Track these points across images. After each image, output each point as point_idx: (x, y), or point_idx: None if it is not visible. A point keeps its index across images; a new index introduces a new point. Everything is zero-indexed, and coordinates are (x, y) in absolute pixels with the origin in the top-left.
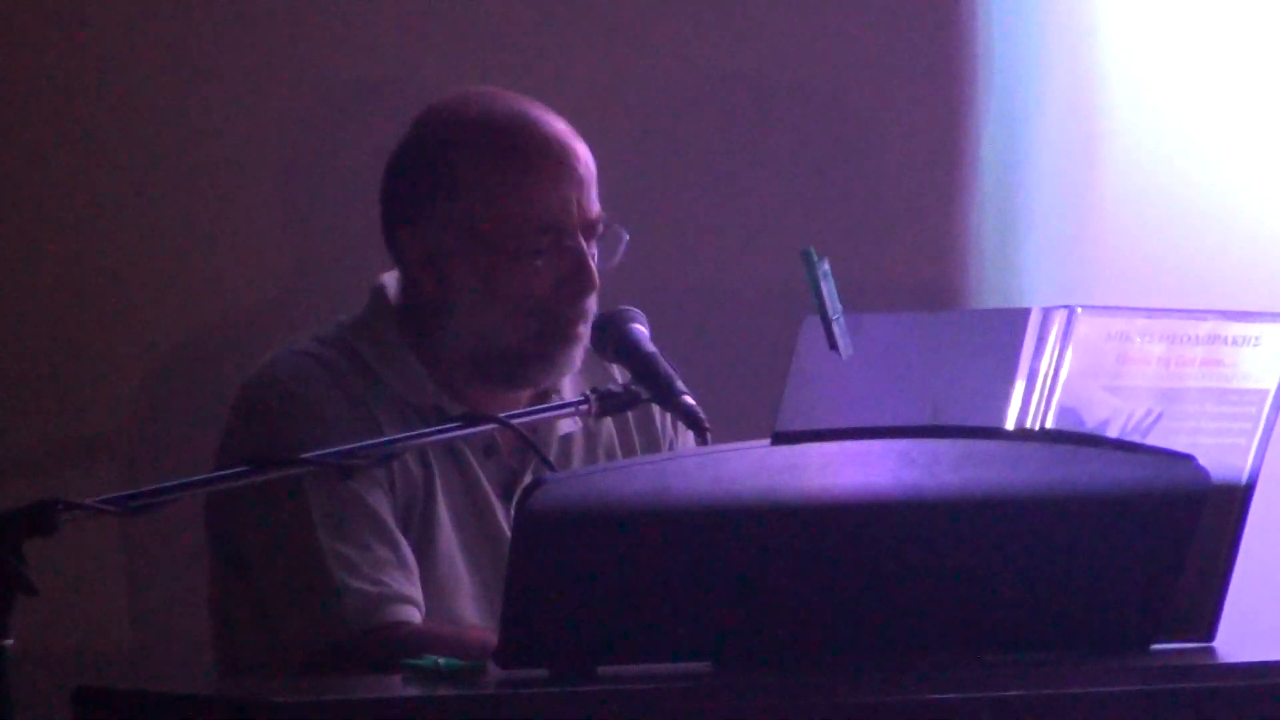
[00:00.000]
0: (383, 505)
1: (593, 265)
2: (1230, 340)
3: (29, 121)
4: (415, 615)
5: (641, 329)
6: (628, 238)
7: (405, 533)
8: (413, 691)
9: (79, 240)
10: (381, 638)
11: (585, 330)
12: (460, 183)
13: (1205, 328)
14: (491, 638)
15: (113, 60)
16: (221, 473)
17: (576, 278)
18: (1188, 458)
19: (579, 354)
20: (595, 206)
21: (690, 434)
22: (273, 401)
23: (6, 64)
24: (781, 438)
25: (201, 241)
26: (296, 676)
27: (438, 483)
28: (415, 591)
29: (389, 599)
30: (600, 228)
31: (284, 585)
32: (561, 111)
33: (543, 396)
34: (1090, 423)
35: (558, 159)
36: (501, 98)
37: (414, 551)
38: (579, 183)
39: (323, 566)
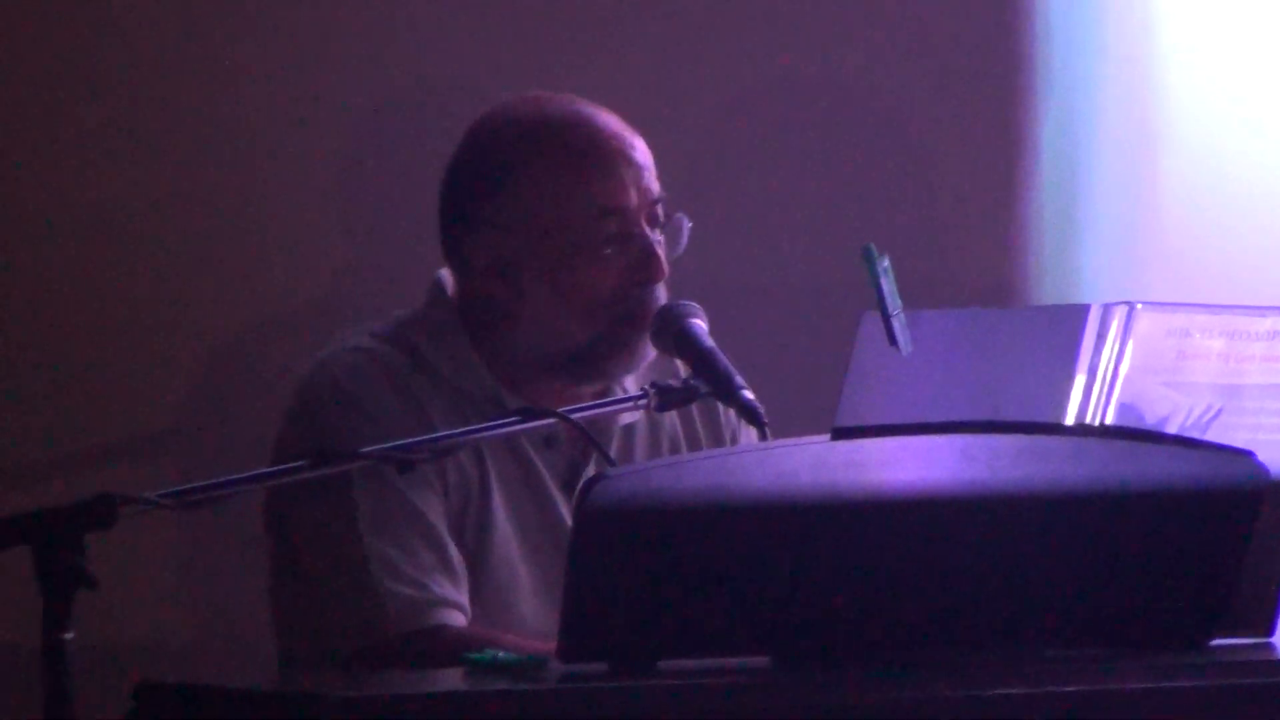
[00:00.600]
0: (432, 507)
1: (660, 252)
2: None
3: (89, 120)
4: (458, 619)
5: (701, 324)
6: (690, 224)
7: (460, 532)
8: (473, 686)
9: (133, 238)
10: (424, 641)
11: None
12: (518, 184)
13: (1266, 324)
14: (535, 644)
15: (170, 59)
16: (277, 468)
17: (645, 265)
18: (1247, 454)
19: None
20: (655, 189)
21: (752, 429)
22: (326, 399)
23: (70, 61)
24: (841, 433)
25: (255, 239)
26: (357, 671)
27: (493, 480)
28: (460, 596)
29: (432, 603)
30: (662, 215)
31: (328, 585)
32: (619, 111)
33: (604, 390)
34: (1150, 419)
35: (610, 145)
36: (551, 99)
37: (470, 550)
38: (635, 166)
39: (365, 569)
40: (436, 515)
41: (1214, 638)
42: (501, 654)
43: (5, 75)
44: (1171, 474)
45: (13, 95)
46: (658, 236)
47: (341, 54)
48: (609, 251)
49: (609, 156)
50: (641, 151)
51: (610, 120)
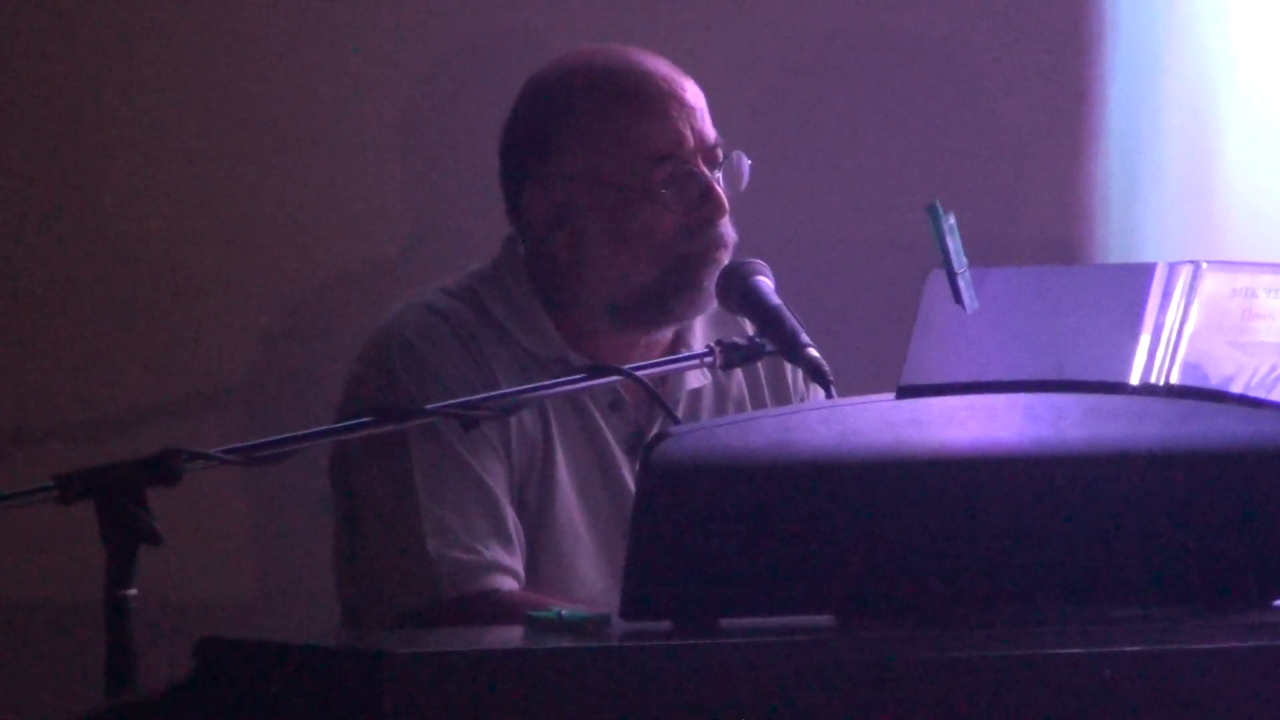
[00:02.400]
0: (491, 471)
1: (719, 189)
2: None
3: (165, 86)
4: (510, 584)
5: (766, 281)
6: (750, 162)
7: (523, 494)
8: (535, 643)
9: (201, 199)
10: (474, 606)
11: (726, 258)
12: (572, 135)
13: None
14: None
15: (238, 24)
16: (340, 424)
17: (704, 203)
18: None
19: None
20: (711, 132)
21: (818, 389)
22: (394, 356)
23: (144, 28)
24: (906, 391)
25: (322, 197)
26: (418, 628)
27: (557, 443)
28: (513, 562)
29: (483, 567)
30: (720, 155)
31: (381, 545)
32: (687, 65)
33: (671, 349)
34: (1215, 378)
35: (660, 88)
36: (600, 50)
37: (532, 512)
38: (688, 109)
39: (418, 531)
40: (495, 479)
41: (1278, 598)
42: (565, 611)
43: (92, 42)
44: (1236, 434)
45: (96, 63)
46: (717, 176)
47: (402, 14)
48: (666, 193)
49: (660, 99)
50: (693, 93)
51: (659, 64)
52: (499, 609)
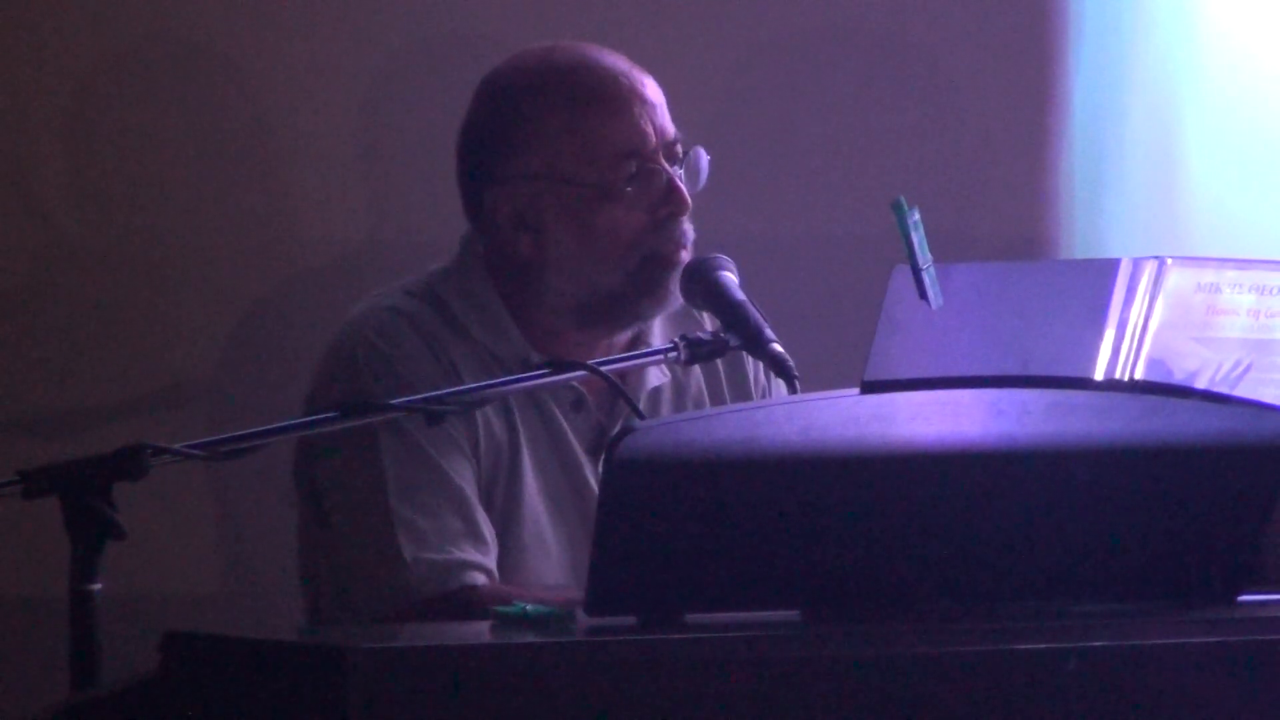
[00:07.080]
0: (460, 471)
1: (681, 186)
2: None
3: (119, 84)
4: (482, 580)
5: (730, 276)
6: (709, 158)
7: (490, 493)
8: (501, 638)
9: (164, 196)
10: (449, 605)
11: (686, 257)
12: (535, 134)
13: None
14: (562, 594)
15: (194, 20)
16: (306, 419)
17: (667, 201)
18: (1276, 410)
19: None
20: (671, 128)
21: (781, 385)
22: (358, 356)
23: (100, 30)
24: (870, 387)
25: (286, 193)
26: (384, 623)
27: (523, 443)
28: (485, 560)
29: (456, 565)
30: (680, 151)
31: (354, 549)
32: (650, 61)
33: (630, 348)
34: (1179, 374)
35: (620, 86)
36: (557, 47)
37: (499, 511)
38: (649, 105)
39: (391, 534)
40: (464, 479)
41: (1241, 593)
42: (530, 607)
43: (51, 39)
44: (1200, 429)
45: (54, 61)
46: (678, 171)
47: (362, 13)
48: (630, 191)
49: (620, 97)
50: (653, 89)
51: (618, 61)
52: (475, 605)
